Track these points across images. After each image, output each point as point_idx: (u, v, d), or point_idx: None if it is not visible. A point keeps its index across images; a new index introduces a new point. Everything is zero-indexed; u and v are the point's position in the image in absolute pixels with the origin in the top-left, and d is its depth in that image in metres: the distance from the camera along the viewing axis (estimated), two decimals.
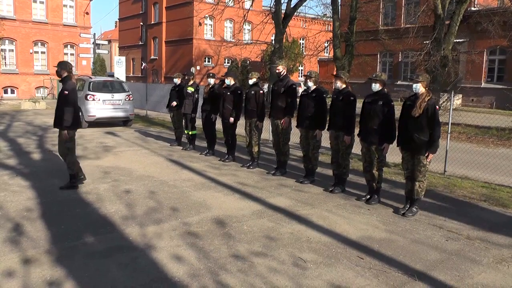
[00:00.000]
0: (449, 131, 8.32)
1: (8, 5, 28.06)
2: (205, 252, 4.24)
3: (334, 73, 7.77)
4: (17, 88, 29.65)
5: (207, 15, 35.28)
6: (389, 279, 3.81)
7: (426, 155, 5.46)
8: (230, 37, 41.31)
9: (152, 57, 46.23)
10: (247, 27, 40.35)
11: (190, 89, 9.94)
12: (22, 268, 3.81)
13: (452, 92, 8.75)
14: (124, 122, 15.05)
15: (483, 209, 6.11)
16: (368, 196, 6.20)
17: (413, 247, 4.56)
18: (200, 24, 40.31)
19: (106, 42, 28.87)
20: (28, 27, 29.64)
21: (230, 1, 26.45)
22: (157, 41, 45.55)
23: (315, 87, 7.09)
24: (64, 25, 31.95)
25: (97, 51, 24.46)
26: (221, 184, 7.06)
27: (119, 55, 44.06)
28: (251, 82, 8.27)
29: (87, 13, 33.64)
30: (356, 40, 21.91)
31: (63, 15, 31.99)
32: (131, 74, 47.83)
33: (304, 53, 42.02)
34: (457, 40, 18.92)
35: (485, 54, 27.11)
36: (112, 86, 15.11)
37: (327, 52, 38.17)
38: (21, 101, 23.57)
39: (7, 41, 27.98)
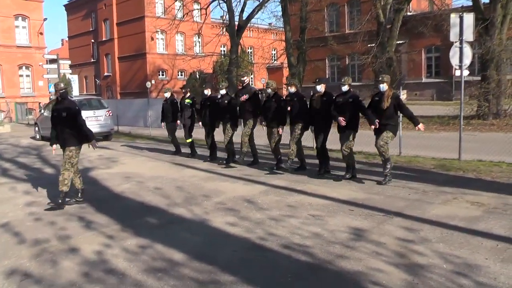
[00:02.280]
0: (400, 121, 10.24)
1: None
2: (246, 217, 5.79)
3: (287, 82, 9.45)
4: None
5: (158, 30, 36.38)
6: (374, 219, 5.52)
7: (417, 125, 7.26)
8: (182, 50, 42.66)
9: (106, 73, 46.64)
10: (197, 39, 41.83)
11: (188, 101, 10.93)
12: (112, 241, 5.09)
13: (401, 88, 10.75)
14: (105, 137, 16.09)
15: (433, 173, 8.22)
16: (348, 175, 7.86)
17: (387, 200, 6.36)
18: (152, 39, 41.36)
19: (69, 62, 29.16)
20: None
21: (183, 17, 27.69)
22: (109, 57, 46.06)
23: (274, 93, 8.85)
24: (18, 46, 32.02)
25: (61, 71, 25.08)
26: (223, 175, 8.61)
27: (70, 74, 44.20)
28: (222, 92, 9.86)
29: (41, 33, 33.89)
30: (307, 47, 23.94)
31: (16, 36, 32.06)
32: (85, 92, 47.94)
33: (253, 62, 44.04)
34: (398, 42, 21.34)
35: (423, 53, 30.12)
36: (92, 104, 16.18)
37: (275, 60, 40.29)
38: None
39: None
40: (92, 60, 49.48)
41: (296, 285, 3.82)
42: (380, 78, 7.36)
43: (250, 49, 47.02)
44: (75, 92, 37.13)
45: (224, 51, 42.66)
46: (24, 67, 32.52)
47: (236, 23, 25.56)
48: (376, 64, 17.93)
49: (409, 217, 5.56)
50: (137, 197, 7.18)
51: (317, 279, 3.94)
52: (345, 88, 7.67)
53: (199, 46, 42.22)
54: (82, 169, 9.94)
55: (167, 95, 11.72)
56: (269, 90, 8.87)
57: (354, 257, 4.32)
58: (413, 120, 7.23)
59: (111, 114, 16.20)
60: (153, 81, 40.19)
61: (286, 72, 34.21)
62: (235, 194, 7.05)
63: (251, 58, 45.91)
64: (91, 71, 49.68)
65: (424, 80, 31.10)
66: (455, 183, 7.31)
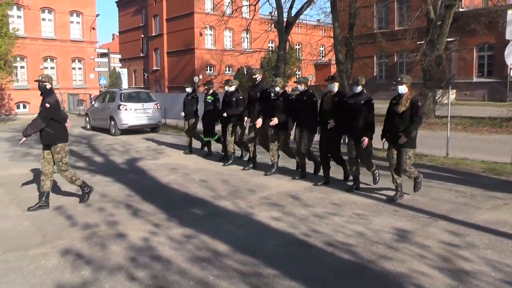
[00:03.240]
0: (448, 121, 10.10)
1: (19, 24, 29.42)
2: (290, 213, 5.85)
3: (296, 79, 8.26)
4: (29, 103, 30.90)
5: (207, 25, 36.88)
6: (419, 221, 5.43)
7: (401, 140, 6.08)
8: (230, 46, 43.11)
9: (154, 68, 47.81)
10: (246, 35, 42.09)
11: (210, 98, 10.23)
12: (158, 229, 5.29)
13: (450, 87, 10.44)
14: (153, 129, 16.55)
15: (483, 177, 7.94)
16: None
17: (432, 202, 6.23)
18: (201, 34, 42.03)
19: (119, 56, 30.11)
20: (37, 44, 31.05)
21: (232, 13, 27.86)
22: (158, 52, 47.20)
23: (282, 91, 8.08)
24: (72, 40, 33.40)
25: (112, 64, 26.02)
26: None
27: (120, 67, 45.72)
28: (231, 89, 9.20)
29: (93, 29, 35.19)
30: (355, 44, 23.55)
31: (70, 31, 33.47)
32: (133, 85, 49.35)
33: (301, 58, 43.77)
34: (448, 39, 20.64)
35: (474, 51, 28.99)
36: (141, 96, 16.67)
37: (323, 57, 39.89)
38: None
39: (18, 58, 29.25)
40: (142, 55, 50.85)
41: (337, 283, 3.84)
42: (399, 79, 6.29)
43: (298, 45, 46.89)
44: (124, 85, 38.45)
45: (272, 47, 42.73)
46: (76, 60, 33.78)
47: (285, 19, 25.38)
48: (425, 62, 17.43)
49: (455, 221, 5.43)
50: (183, 188, 7.37)
51: (359, 278, 3.93)
52: (357, 89, 6.78)
53: (247, 42, 42.50)
54: (130, 159, 10.36)
55: (189, 90, 11.13)
56: (277, 89, 8.08)
57: (397, 259, 4.28)
58: (409, 131, 6.05)
59: (159, 107, 16.61)
60: (200, 76, 40.86)
61: (334, 69, 33.90)
62: (280, 190, 7.10)
63: (299, 55, 45.79)
64: (140, 65, 51.06)
65: (475, 79, 29.92)
66: (506, 188, 7.04)
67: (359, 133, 6.68)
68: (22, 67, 30.65)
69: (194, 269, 4.10)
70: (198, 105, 11.04)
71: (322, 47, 41.85)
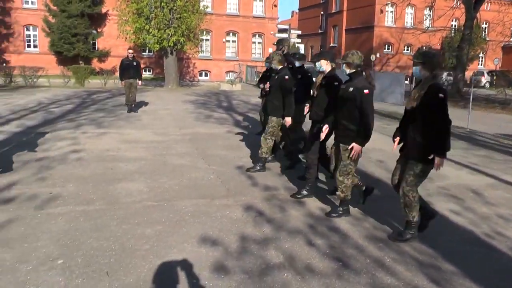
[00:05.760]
0: None
1: (208, 1, 32.49)
2: (470, 208, 5.51)
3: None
4: (210, 71, 34.41)
5: (389, 2, 35.46)
6: None
7: (430, 157, 4.01)
8: (411, 24, 40.87)
9: (331, 44, 48.08)
10: (428, 12, 39.25)
11: None
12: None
13: None
14: None
15: None
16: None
17: None
18: (381, 11, 40.73)
19: (298, 31, 30.96)
20: (222, 19, 33.99)
21: None
22: (337, 29, 47.34)
23: (280, 67, 6.52)
24: (254, 17, 35.61)
25: (291, 39, 27.06)
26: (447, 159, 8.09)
27: (298, 43, 47.19)
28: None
29: (275, 6, 36.81)
30: None
31: (253, 8, 35.74)
32: (309, 60, 50.48)
33: (487, 39, 39.10)
34: None
35: None
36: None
37: None
38: (220, 83, 27.36)
39: (204, 32, 32.41)
40: (320, 31, 51.72)
41: None
42: (414, 58, 4.18)
43: (485, 24, 42.06)
44: None
45: (455, 26, 39.19)
46: (257, 35, 36.05)
47: None
48: None
49: None
50: (359, 166, 7.06)
51: None
52: (345, 70, 4.69)
53: (429, 20, 39.80)
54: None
55: (268, 65, 8.14)
56: (273, 65, 6.55)
57: None
58: (437, 143, 3.96)
59: None
60: (378, 55, 39.75)
61: None
62: (460, 182, 6.69)
63: (484, 35, 41.17)
64: (318, 41, 51.93)
65: None
66: None
67: (345, 135, 4.72)
68: (207, 39, 34.14)
69: (371, 247, 4.17)
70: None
71: None
